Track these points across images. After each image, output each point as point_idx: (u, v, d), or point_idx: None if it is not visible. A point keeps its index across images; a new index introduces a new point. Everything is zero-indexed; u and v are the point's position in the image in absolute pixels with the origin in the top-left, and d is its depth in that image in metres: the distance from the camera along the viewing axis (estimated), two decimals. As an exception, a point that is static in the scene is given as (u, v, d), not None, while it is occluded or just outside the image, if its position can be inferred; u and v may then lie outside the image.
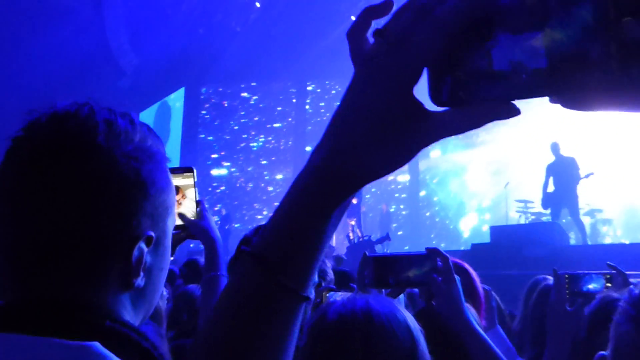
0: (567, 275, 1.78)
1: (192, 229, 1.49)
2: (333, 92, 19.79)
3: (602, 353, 0.86)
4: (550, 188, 10.35)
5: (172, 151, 19.80)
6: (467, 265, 2.09)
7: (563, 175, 10.06)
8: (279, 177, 19.68)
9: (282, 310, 0.52)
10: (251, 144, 19.79)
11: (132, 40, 16.17)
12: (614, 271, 1.85)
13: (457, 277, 1.42)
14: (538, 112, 15.95)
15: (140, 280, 0.72)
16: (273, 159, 19.73)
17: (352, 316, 1.04)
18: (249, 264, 0.53)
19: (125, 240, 0.70)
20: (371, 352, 1.00)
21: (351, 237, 12.46)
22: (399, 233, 17.69)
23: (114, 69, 16.71)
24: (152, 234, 0.72)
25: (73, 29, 14.27)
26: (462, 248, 12.35)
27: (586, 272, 1.81)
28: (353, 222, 13.11)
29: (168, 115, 21.24)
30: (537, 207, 12.94)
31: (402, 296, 2.14)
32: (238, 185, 19.66)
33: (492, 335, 2.30)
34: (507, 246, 8.74)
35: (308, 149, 19.49)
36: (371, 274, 1.46)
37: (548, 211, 12.31)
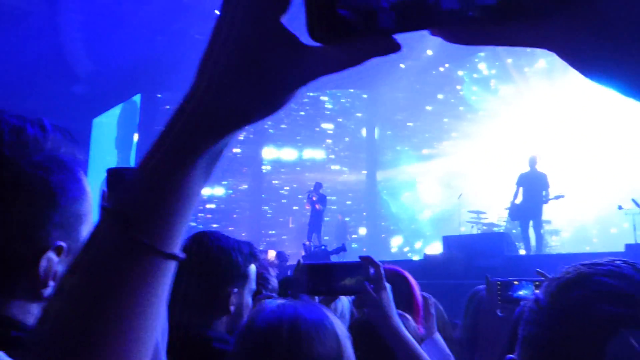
0: (498, 283, 1.84)
1: None
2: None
3: (511, 356, 0.88)
4: (519, 199, 10.58)
5: (125, 161, 19.45)
6: (406, 274, 2.14)
7: (533, 188, 10.28)
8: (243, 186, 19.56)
9: (141, 269, 0.46)
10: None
11: (87, 45, 15.82)
12: (542, 278, 1.93)
13: (388, 285, 1.46)
14: (491, 125, 16.42)
15: (49, 291, 0.71)
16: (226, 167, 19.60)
17: (279, 323, 1.05)
18: (105, 221, 0.46)
19: (32, 251, 0.69)
20: (297, 359, 1.02)
21: (308, 244, 12.46)
22: (354, 245, 17.82)
23: (67, 74, 16.30)
24: (63, 244, 0.72)
25: (25, 33, 13.90)
26: (415, 258, 12.53)
27: (517, 279, 1.88)
28: (314, 228, 13.13)
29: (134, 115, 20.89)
30: (490, 217, 13.27)
31: (347, 303, 2.17)
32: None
33: (431, 342, 2.35)
34: (459, 256, 8.90)
35: (273, 155, 19.56)
36: (305, 282, 1.48)
37: (503, 224, 12.64)
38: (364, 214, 19.19)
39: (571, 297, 0.80)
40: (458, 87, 17.82)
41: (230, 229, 18.15)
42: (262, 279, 2.28)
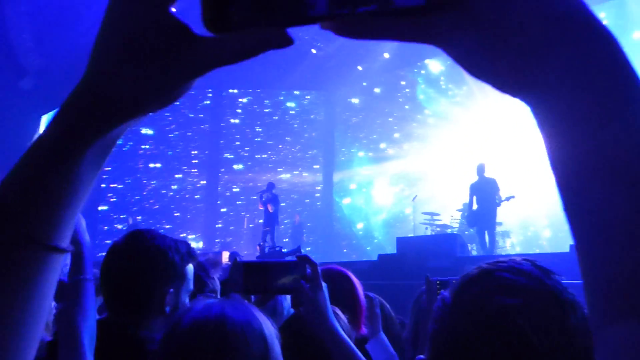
0: (438, 282, 1.86)
1: None
2: (249, 98, 19.73)
3: (421, 357, 0.90)
4: (474, 207, 10.84)
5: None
6: (349, 273, 2.14)
7: (485, 195, 10.57)
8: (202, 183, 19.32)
9: (21, 262, 0.44)
10: (168, 152, 19.29)
11: (36, 38, 15.33)
12: None
13: (325, 285, 1.45)
14: (446, 127, 16.73)
15: None
16: (184, 168, 19.33)
17: (205, 323, 1.03)
18: None
19: None
20: (222, 359, 1.00)
21: (263, 245, 12.40)
22: (307, 249, 17.85)
23: (14, 68, 15.77)
24: None
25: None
26: (370, 259, 12.61)
27: (456, 278, 1.90)
28: (267, 229, 13.07)
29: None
30: (444, 219, 13.50)
31: (287, 302, 2.14)
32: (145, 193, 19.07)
33: (375, 342, 2.35)
34: (412, 257, 9.01)
35: (228, 156, 19.37)
36: (240, 280, 1.46)
37: (456, 225, 12.88)
38: (319, 215, 19.24)
39: (471, 293, 0.82)
40: (407, 90, 18.10)
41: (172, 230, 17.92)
42: (199, 282, 2.20)
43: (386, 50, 16.50)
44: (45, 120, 20.91)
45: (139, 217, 16.47)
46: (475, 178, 10.85)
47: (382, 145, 18.51)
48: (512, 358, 0.75)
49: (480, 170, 10.75)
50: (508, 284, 0.80)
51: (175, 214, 18.62)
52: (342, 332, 1.40)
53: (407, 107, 18.16)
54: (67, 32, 15.17)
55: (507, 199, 10.69)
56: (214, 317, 1.04)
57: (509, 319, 0.76)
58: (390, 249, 11.88)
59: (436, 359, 0.85)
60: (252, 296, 1.55)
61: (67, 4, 14.64)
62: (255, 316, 1.08)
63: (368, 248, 17.89)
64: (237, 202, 18.73)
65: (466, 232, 12.32)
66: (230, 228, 18.61)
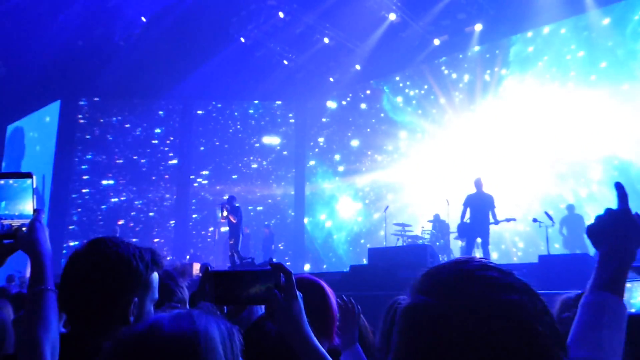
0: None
1: (18, 240, 1.40)
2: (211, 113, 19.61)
3: None
4: (467, 219, 10.94)
5: (44, 168, 18.51)
6: (322, 282, 2.10)
7: (480, 208, 10.70)
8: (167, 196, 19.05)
9: None
10: (141, 161, 19.00)
11: (0, 48, 14.99)
12: None
13: (299, 294, 1.40)
14: (417, 140, 16.88)
15: None
16: (154, 178, 19.04)
17: (148, 334, 0.97)
18: None
19: None
20: None
21: (232, 255, 12.26)
22: (286, 259, 17.73)
23: (-23, 77, 15.40)
24: None
25: None
26: (343, 270, 12.58)
27: None
28: (232, 242, 12.92)
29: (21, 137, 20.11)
30: (415, 230, 13.58)
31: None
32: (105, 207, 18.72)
33: (351, 353, 2.33)
34: (384, 268, 9.01)
35: (204, 173, 19.17)
36: (212, 290, 1.40)
37: (427, 236, 12.97)
38: (289, 225, 19.16)
39: (467, 292, 0.81)
40: (377, 104, 18.23)
41: (155, 240, 17.64)
42: (167, 290, 2.14)
43: (357, 62, 16.62)
44: (9, 129, 20.46)
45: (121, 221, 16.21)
46: (472, 190, 10.98)
47: (352, 157, 18.53)
48: (521, 354, 0.75)
49: (478, 184, 10.91)
50: (500, 282, 0.82)
51: (137, 229, 18.28)
52: (318, 343, 1.35)
53: (375, 119, 18.24)
54: (31, 41, 14.88)
55: (507, 220, 10.83)
56: (169, 327, 0.97)
57: (518, 315, 0.77)
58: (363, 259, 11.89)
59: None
60: (225, 307, 1.49)
61: (29, 16, 14.37)
62: (216, 325, 1.01)
63: (334, 260, 17.90)
64: (205, 212, 18.49)
65: (437, 243, 12.42)
66: (201, 240, 18.38)
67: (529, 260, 12.12)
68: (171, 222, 18.87)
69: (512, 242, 14.54)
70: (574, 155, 13.69)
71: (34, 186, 1.42)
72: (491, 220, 10.71)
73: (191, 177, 19.19)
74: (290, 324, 1.35)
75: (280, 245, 17.88)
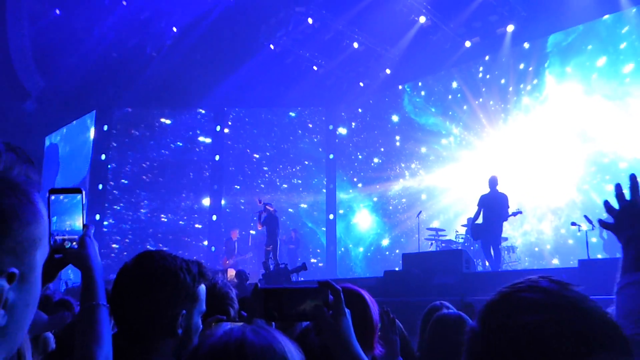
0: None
1: (68, 256, 1.43)
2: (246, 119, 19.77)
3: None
4: (480, 219, 10.68)
5: (79, 175, 18.95)
6: (363, 292, 2.09)
7: (493, 209, 10.40)
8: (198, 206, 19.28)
9: None
10: (174, 168, 19.30)
11: (38, 61, 15.45)
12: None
13: (347, 311, 1.41)
14: (449, 145, 16.71)
15: (0, 319, 0.68)
16: (186, 185, 19.29)
17: (224, 349, 1.00)
18: None
19: None
20: None
21: (267, 265, 12.33)
22: (320, 264, 17.72)
23: (18, 90, 15.88)
24: (15, 270, 0.69)
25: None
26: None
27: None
28: (269, 248, 13.04)
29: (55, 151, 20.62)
30: (449, 234, 13.45)
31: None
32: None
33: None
34: (418, 273, 8.95)
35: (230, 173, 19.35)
36: (261, 306, 1.42)
37: (461, 240, 12.81)
38: (323, 228, 19.15)
39: (495, 317, 0.86)
40: (408, 107, 18.05)
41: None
42: (228, 298, 2.22)
43: (387, 66, 16.57)
44: (48, 141, 21.03)
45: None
46: (486, 190, 10.72)
47: (384, 162, 18.38)
48: None
49: (492, 183, 10.59)
50: (527, 303, 0.85)
51: (170, 237, 18.50)
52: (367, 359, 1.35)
53: (406, 124, 18.10)
54: (68, 54, 15.31)
55: (514, 213, 10.56)
56: (233, 342, 1.00)
57: (532, 335, 0.81)
58: (397, 265, 11.80)
59: None
60: (274, 323, 1.51)
61: (68, 28, 14.78)
62: (278, 340, 1.04)
63: (377, 266, 17.80)
64: (239, 221, 18.62)
65: (472, 248, 12.25)
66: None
67: (567, 264, 11.87)
68: (204, 230, 19.09)
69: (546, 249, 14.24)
70: (614, 155, 13.27)
71: (84, 202, 1.44)
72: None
73: (224, 184, 19.37)
74: (339, 341, 1.35)
75: (305, 251, 17.85)
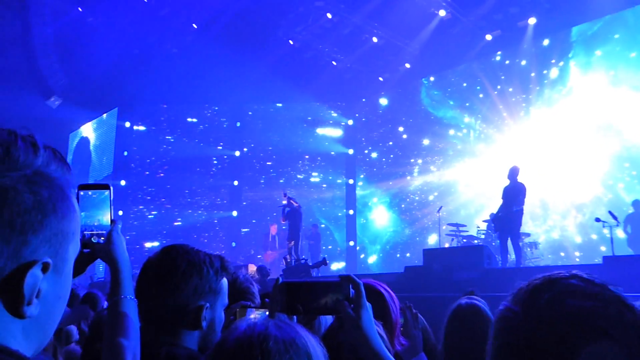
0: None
1: (97, 251, 1.46)
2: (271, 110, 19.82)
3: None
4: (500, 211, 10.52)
5: (103, 171, 19.22)
6: (383, 289, 2.08)
7: (511, 200, 10.24)
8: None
9: None
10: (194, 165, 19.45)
11: (61, 59, 15.66)
12: None
13: (369, 305, 1.41)
14: (471, 139, 16.56)
15: (33, 309, 0.69)
16: (211, 180, 19.42)
17: (248, 343, 1.01)
18: None
19: (16, 267, 0.67)
20: None
21: (288, 260, 12.37)
22: (341, 265, 17.74)
23: (42, 88, 16.12)
24: (49, 260, 0.70)
25: (-2, 46, 13.71)
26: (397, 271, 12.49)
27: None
28: (291, 244, 13.08)
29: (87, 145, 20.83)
30: (470, 230, 13.33)
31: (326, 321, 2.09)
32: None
33: (417, 363, 2.29)
34: (439, 268, 8.90)
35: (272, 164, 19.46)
36: (283, 300, 1.43)
37: (482, 236, 12.69)
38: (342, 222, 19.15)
39: (542, 299, 0.86)
40: (418, 101, 17.84)
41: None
42: (249, 293, 2.25)
43: (407, 60, 16.46)
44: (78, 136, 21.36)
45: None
46: (506, 182, 10.56)
47: (405, 158, 18.22)
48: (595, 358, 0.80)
49: (512, 173, 10.41)
50: (579, 290, 0.86)
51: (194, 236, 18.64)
52: (388, 353, 1.35)
53: (417, 117, 17.93)
54: (90, 51, 15.49)
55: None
56: (257, 336, 1.02)
57: (585, 319, 0.81)
58: (418, 260, 11.75)
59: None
60: (295, 316, 1.52)
61: (89, 25, 14.96)
62: (301, 335, 1.05)
63: (397, 262, 17.72)
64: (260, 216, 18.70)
65: (493, 244, 12.12)
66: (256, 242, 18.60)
67: (590, 261, 11.70)
68: (224, 226, 19.22)
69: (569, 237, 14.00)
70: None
71: (111, 197, 1.47)
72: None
73: (244, 180, 19.47)
74: (360, 335, 1.36)
75: (327, 245, 17.85)
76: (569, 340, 0.81)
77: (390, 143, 18.69)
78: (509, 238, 10.39)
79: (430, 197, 17.08)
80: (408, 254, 16.46)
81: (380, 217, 18.71)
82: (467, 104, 16.63)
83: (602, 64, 13.89)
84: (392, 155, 18.59)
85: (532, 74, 15.12)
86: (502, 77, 15.80)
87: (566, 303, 0.84)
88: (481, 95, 16.26)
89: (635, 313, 0.84)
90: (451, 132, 17.00)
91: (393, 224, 18.33)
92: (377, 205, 18.86)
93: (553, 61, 14.94)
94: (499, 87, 15.80)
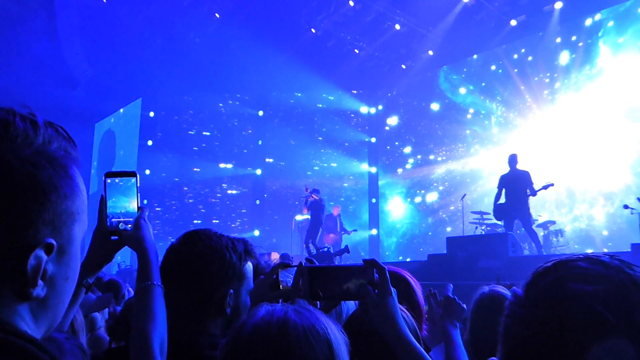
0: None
1: (124, 238, 1.46)
2: (292, 101, 19.79)
3: (493, 358, 0.87)
4: (502, 199, 10.44)
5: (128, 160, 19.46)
6: (407, 275, 2.06)
7: (515, 187, 10.15)
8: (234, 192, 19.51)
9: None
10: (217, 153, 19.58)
11: (86, 50, 15.85)
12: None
13: (394, 290, 1.38)
14: (493, 127, 16.32)
15: (39, 290, 0.69)
16: (230, 167, 19.52)
17: (267, 328, 1.01)
18: None
19: (19, 249, 0.66)
20: None
21: (310, 248, 12.40)
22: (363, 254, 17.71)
23: (67, 79, 16.35)
24: (53, 241, 0.69)
25: (24, 38, 13.91)
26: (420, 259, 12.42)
27: None
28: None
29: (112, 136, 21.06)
30: (494, 218, 13.18)
31: (347, 307, 2.08)
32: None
33: (438, 351, 2.27)
34: (463, 257, 8.85)
35: (269, 160, 19.52)
36: (306, 286, 1.40)
37: (501, 222, 12.54)
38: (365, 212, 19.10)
39: (544, 282, 0.82)
40: (462, 90, 17.54)
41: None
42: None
43: (430, 48, 16.26)
44: (98, 128, 21.63)
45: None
46: (506, 169, 10.43)
47: (429, 145, 18.02)
48: (588, 341, 0.74)
49: (512, 161, 10.31)
50: (583, 272, 0.80)
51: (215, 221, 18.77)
52: (413, 339, 1.33)
53: (449, 107, 17.68)
54: (115, 42, 15.63)
55: (545, 187, 10.10)
56: (276, 322, 1.02)
57: (584, 305, 0.75)
58: (441, 248, 11.65)
59: (510, 354, 0.83)
60: (318, 302, 1.50)
61: (114, 16, 15.09)
62: (321, 321, 1.05)
63: (419, 249, 17.63)
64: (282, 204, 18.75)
65: (518, 232, 11.98)
66: (278, 231, 18.69)
67: (618, 248, 11.45)
68: (248, 215, 19.33)
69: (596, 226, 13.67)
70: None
71: (138, 185, 1.47)
72: (528, 193, 10.04)
73: (267, 169, 19.52)
74: (385, 320, 1.33)
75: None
76: (568, 328, 0.75)
77: (413, 131, 18.50)
78: (514, 224, 10.38)
79: (453, 185, 16.88)
80: (430, 248, 16.31)
81: (399, 206, 18.59)
82: (488, 88, 16.26)
83: (634, 43, 13.26)
84: (416, 142, 18.41)
85: (558, 57, 14.74)
86: (528, 59, 15.39)
87: (567, 287, 0.78)
88: (502, 79, 15.90)
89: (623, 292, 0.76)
90: (471, 118, 16.69)
91: (413, 213, 18.19)
92: (398, 194, 18.72)
93: (580, 44, 14.50)
94: (519, 69, 15.38)
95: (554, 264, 0.84)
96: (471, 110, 16.77)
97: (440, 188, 17.52)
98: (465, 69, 17.13)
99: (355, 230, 15.39)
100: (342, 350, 1.04)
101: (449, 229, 15.94)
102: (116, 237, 1.46)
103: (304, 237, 13.59)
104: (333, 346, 1.02)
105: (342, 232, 15.15)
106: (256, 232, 18.53)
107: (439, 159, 17.52)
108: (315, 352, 0.99)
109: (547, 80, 14.95)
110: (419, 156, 18.10)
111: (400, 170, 18.61)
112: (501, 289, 2.66)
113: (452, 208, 16.28)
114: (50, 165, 0.69)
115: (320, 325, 1.02)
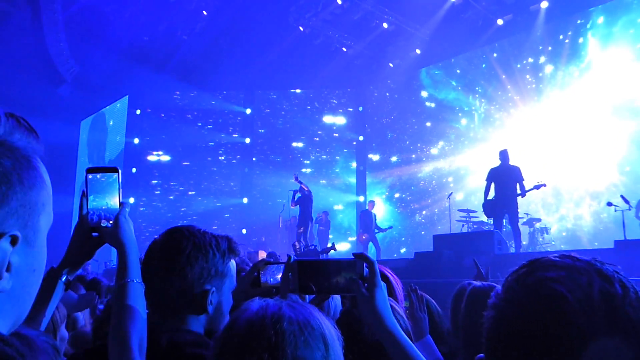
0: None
1: (104, 234, 1.44)
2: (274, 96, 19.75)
3: (481, 355, 0.89)
4: (492, 194, 10.43)
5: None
6: (388, 272, 2.08)
7: (505, 182, 10.15)
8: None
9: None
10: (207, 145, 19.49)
11: (72, 47, 15.70)
12: None
13: (383, 284, 1.39)
14: (477, 125, 16.40)
15: (5, 283, 0.67)
16: (214, 169, 19.45)
17: (261, 323, 1.00)
18: None
19: None
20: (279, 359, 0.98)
21: (297, 246, 12.38)
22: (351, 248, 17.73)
23: (53, 76, 16.18)
24: (17, 233, 0.68)
25: (8, 34, 13.75)
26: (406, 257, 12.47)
27: None
28: (301, 230, 13.08)
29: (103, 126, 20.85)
30: (480, 216, 13.25)
31: (339, 303, 2.09)
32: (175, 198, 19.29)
33: (422, 345, 2.29)
34: (449, 254, 8.88)
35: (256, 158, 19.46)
36: (295, 279, 1.41)
37: (490, 220, 12.60)
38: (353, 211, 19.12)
39: (516, 276, 0.87)
40: (432, 88, 17.60)
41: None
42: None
43: (417, 46, 16.31)
44: (83, 125, 21.45)
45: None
46: (496, 163, 10.41)
47: (415, 144, 18.02)
48: (552, 326, 0.78)
49: (504, 156, 10.29)
50: (553, 263, 0.84)
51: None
52: (402, 333, 1.33)
53: (433, 104, 17.73)
54: (101, 39, 15.50)
55: (537, 187, 10.10)
56: (270, 317, 1.01)
57: (547, 287, 0.80)
58: (427, 246, 11.70)
59: (490, 347, 0.87)
60: (307, 296, 1.50)
61: (100, 13, 14.96)
62: (315, 316, 1.05)
63: (406, 247, 17.71)
64: (269, 203, 18.69)
65: (504, 229, 12.05)
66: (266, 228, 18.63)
67: (602, 245, 11.54)
68: (235, 212, 19.26)
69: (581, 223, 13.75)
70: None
71: (120, 181, 1.45)
72: (518, 191, 10.02)
73: (254, 167, 19.46)
74: (374, 314, 1.34)
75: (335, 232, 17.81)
76: (530, 309, 0.81)
77: (400, 129, 18.53)
78: (504, 220, 10.30)
79: (440, 183, 16.93)
80: (417, 247, 16.33)
81: (388, 204, 18.61)
82: (472, 84, 16.28)
83: (624, 36, 13.10)
84: (403, 141, 18.44)
85: (544, 51, 14.73)
86: (514, 55, 15.38)
87: (534, 275, 0.84)
88: (486, 74, 15.91)
89: (612, 284, 0.80)
90: (453, 115, 16.69)
91: (398, 212, 18.21)
92: (383, 193, 18.73)
93: (570, 34, 14.39)
94: (505, 67, 15.37)
95: (528, 261, 0.88)
96: (452, 107, 16.78)
97: (422, 184, 17.56)
98: (448, 65, 17.13)
99: (390, 228, 15.21)
100: (337, 346, 1.05)
101: (439, 227, 16.00)
102: (97, 234, 1.45)
103: (296, 234, 13.55)
104: (328, 342, 1.02)
105: (376, 230, 14.89)
106: (244, 230, 18.48)
107: (423, 158, 17.55)
108: (310, 347, 0.99)
109: (533, 78, 15.02)
110: (404, 155, 18.13)
111: (388, 169, 18.63)
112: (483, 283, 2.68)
113: (437, 209, 16.32)
114: (13, 155, 0.68)
115: (315, 320, 1.03)
